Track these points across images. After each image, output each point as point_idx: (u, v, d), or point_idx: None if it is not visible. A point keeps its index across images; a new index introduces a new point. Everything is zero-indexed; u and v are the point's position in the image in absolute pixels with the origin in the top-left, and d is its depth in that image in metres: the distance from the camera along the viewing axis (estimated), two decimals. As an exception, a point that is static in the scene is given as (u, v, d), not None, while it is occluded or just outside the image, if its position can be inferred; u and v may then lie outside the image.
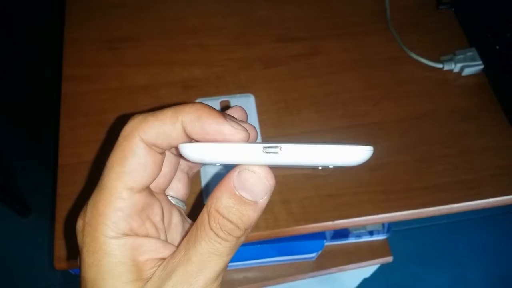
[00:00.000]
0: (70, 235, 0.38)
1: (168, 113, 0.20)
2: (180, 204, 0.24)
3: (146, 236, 0.21)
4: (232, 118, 0.20)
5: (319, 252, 0.57)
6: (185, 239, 0.20)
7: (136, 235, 0.20)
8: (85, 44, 0.49)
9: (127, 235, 0.20)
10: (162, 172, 0.22)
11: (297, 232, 0.39)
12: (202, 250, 0.19)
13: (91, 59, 0.48)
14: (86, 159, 0.42)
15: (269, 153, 0.18)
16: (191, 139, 0.20)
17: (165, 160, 0.22)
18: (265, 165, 0.19)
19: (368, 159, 0.19)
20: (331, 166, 0.19)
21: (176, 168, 0.23)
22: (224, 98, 0.45)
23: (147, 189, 0.21)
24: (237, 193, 0.19)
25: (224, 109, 0.44)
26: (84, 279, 0.20)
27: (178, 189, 0.25)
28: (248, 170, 0.19)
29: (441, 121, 0.45)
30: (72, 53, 0.48)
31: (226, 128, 0.19)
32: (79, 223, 0.21)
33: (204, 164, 0.20)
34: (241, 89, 0.46)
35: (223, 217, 0.19)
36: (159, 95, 0.46)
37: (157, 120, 0.20)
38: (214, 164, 0.20)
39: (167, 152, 0.22)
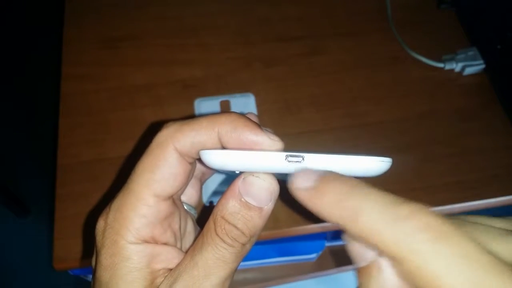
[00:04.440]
0: (70, 235, 0.38)
1: (203, 123, 0.20)
2: (193, 212, 0.25)
3: (165, 244, 0.21)
4: (267, 129, 0.20)
5: (320, 253, 0.57)
6: (192, 247, 0.20)
7: (156, 243, 0.21)
8: (84, 43, 0.49)
9: (147, 242, 0.20)
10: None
11: (298, 233, 0.39)
12: (208, 256, 0.19)
13: (90, 58, 0.48)
14: (86, 159, 0.42)
15: (292, 161, 0.18)
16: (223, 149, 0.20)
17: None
18: (269, 174, 0.19)
19: (387, 170, 0.19)
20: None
21: (192, 174, 0.23)
22: (224, 98, 0.45)
23: (172, 198, 0.21)
24: (242, 199, 0.19)
25: (224, 108, 0.44)
26: (98, 280, 0.20)
27: (191, 195, 0.25)
28: (253, 176, 0.19)
29: (442, 121, 0.45)
30: (71, 52, 0.48)
31: (264, 139, 0.19)
32: (100, 223, 0.21)
33: (219, 171, 0.20)
34: (241, 89, 0.46)
35: (229, 223, 0.19)
36: (159, 94, 0.45)
37: (193, 130, 0.20)
38: (233, 172, 0.20)
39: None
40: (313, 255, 0.59)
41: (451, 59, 0.47)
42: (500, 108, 0.45)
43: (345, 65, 0.48)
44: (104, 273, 0.20)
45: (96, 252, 0.21)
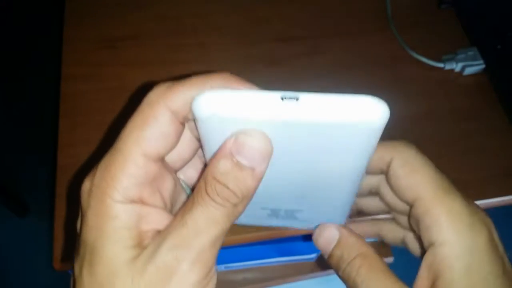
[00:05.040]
0: (70, 235, 0.38)
1: (195, 80, 0.20)
2: (188, 191, 0.24)
3: (154, 206, 0.20)
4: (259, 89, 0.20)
5: (320, 252, 0.57)
6: (181, 208, 0.20)
7: (144, 203, 0.20)
8: (84, 43, 0.49)
9: (135, 202, 0.20)
10: (180, 152, 0.22)
11: (298, 233, 0.39)
12: (198, 215, 0.19)
13: (90, 58, 0.48)
14: (85, 158, 0.42)
15: (287, 101, 0.18)
16: None
17: (185, 141, 0.22)
18: (262, 132, 0.19)
19: (385, 121, 0.19)
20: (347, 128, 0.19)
21: (194, 152, 0.23)
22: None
23: (162, 161, 0.21)
24: (234, 159, 0.19)
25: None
26: (83, 241, 0.20)
27: (191, 176, 0.24)
28: (245, 134, 0.19)
29: (441, 120, 0.45)
30: (71, 52, 0.48)
31: None
32: (86, 184, 0.20)
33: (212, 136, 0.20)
34: (241, 89, 0.46)
35: (220, 183, 0.19)
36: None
37: (185, 86, 0.20)
38: (225, 127, 0.19)
39: (188, 134, 0.22)
40: (313, 255, 0.59)
41: (451, 59, 0.47)
42: (500, 108, 0.45)
43: (345, 65, 0.48)
44: (89, 234, 0.20)
45: (82, 213, 0.20)
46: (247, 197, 0.20)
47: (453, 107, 0.45)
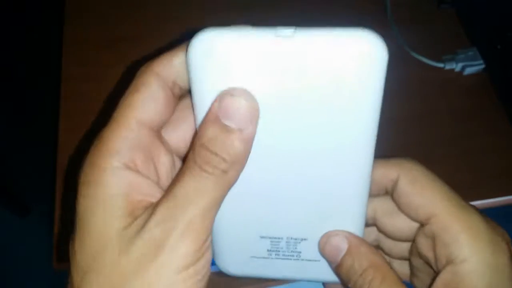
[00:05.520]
0: (70, 235, 0.38)
1: (182, 47, 0.20)
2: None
3: (147, 177, 0.20)
4: None
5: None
6: (172, 180, 0.20)
7: (138, 172, 0.19)
8: (84, 43, 0.49)
9: (128, 168, 0.19)
10: (182, 134, 0.22)
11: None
12: (186, 185, 0.18)
13: (90, 58, 0.48)
14: (86, 159, 0.42)
15: (281, 36, 0.17)
16: None
17: (189, 122, 0.21)
18: (247, 90, 0.18)
19: (386, 54, 0.18)
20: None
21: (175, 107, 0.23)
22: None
23: (158, 133, 0.21)
24: (220, 122, 0.18)
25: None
26: (76, 213, 0.19)
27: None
28: (229, 95, 0.18)
29: (441, 121, 0.45)
30: (71, 52, 0.48)
31: None
32: (84, 159, 0.20)
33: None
34: (241, 89, 0.46)
35: (207, 150, 0.18)
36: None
37: (171, 54, 0.20)
38: (217, 73, 0.18)
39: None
40: None
41: (451, 59, 0.47)
42: (500, 108, 0.45)
43: (345, 65, 0.48)
44: (82, 202, 0.19)
45: (78, 185, 0.20)
46: (238, 162, 0.19)
47: (453, 107, 0.45)
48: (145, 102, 0.20)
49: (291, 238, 0.23)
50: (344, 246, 0.22)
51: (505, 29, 0.48)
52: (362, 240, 0.23)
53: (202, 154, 0.18)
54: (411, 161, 0.24)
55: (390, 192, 0.24)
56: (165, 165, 0.21)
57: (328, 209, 0.22)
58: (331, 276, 0.24)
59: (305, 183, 0.21)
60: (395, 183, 0.23)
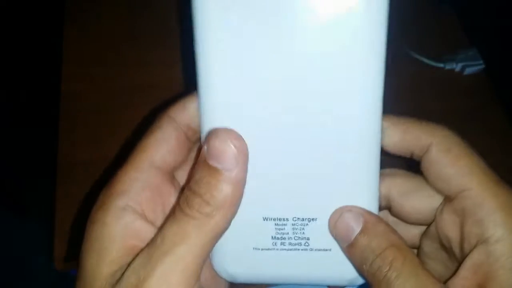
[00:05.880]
0: (70, 236, 0.38)
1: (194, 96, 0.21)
2: None
3: (150, 221, 0.19)
4: None
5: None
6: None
7: (142, 214, 0.19)
8: (84, 43, 0.49)
9: (133, 210, 0.19)
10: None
11: None
12: (166, 232, 0.17)
13: (90, 58, 0.48)
14: (86, 159, 0.42)
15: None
16: None
17: None
18: (233, 130, 0.18)
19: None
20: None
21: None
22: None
23: (170, 175, 0.20)
24: (207, 163, 0.17)
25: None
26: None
27: None
28: (214, 135, 0.18)
29: (441, 120, 0.44)
30: (71, 52, 0.48)
31: None
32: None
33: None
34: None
35: (192, 192, 0.17)
36: (161, 94, 0.45)
37: (188, 100, 0.21)
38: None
39: None
40: None
41: (451, 59, 0.47)
42: (500, 108, 0.45)
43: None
44: (84, 241, 0.19)
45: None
46: (225, 207, 0.17)
47: (453, 107, 0.45)
48: (158, 143, 0.20)
49: (298, 219, 0.21)
50: (359, 223, 0.20)
51: (505, 29, 0.48)
52: (379, 217, 0.21)
53: (186, 196, 0.17)
54: (446, 128, 0.23)
55: (416, 157, 0.22)
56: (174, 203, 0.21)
57: (338, 183, 0.20)
58: (341, 276, 0.21)
59: (309, 150, 0.19)
60: (426, 150, 0.21)
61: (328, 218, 0.20)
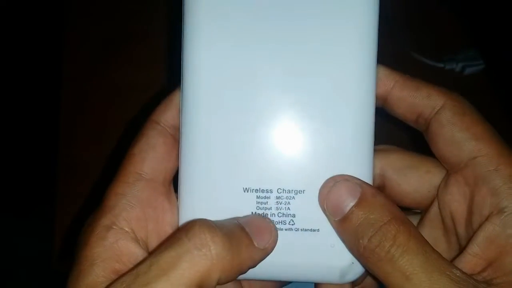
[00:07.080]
0: (70, 236, 0.38)
1: (175, 95, 0.21)
2: None
3: (143, 242, 0.18)
4: None
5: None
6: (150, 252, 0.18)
7: (131, 234, 0.17)
8: (84, 43, 0.49)
9: (120, 229, 0.17)
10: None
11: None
12: (166, 254, 0.15)
13: (90, 58, 0.48)
14: (86, 159, 0.42)
15: None
16: None
17: None
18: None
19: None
20: None
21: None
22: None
23: (163, 183, 0.19)
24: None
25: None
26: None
27: None
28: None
29: (442, 121, 0.45)
30: (71, 52, 0.48)
31: None
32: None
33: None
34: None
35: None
36: (160, 94, 0.45)
37: (168, 99, 0.20)
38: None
39: None
40: None
41: (451, 59, 0.47)
42: (500, 109, 0.45)
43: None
44: (73, 264, 0.18)
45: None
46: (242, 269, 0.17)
47: (453, 107, 0.45)
48: (144, 153, 0.18)
49: (283, 191, 0.18)
50: (355, 193, 0.17)
51: (505, 29, 0.48)
52: (377, 188, 0.18)
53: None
54: (458, 94, 0.21)
55: (424, 120, 0.20)
56: (169, 219, 0.19)
57: (329, 151, 0.18)
58: (329, 263, 0.18)
59: (298, 116, 0.18)
60: (437, 112, 0.20)
61: (318, 190, 0.18)
